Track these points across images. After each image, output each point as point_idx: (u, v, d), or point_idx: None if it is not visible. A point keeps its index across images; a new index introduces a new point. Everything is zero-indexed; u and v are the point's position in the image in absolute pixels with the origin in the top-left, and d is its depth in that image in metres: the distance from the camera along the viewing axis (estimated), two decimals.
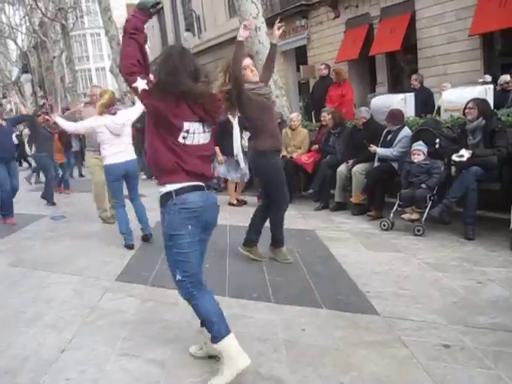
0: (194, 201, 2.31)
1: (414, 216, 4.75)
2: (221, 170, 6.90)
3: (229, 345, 2.32)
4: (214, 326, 2.35)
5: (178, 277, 2.35)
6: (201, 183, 2.35)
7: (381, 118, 5.89)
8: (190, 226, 2.31)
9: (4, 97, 17.07)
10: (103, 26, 14.62)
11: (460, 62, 11.30)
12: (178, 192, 2.29)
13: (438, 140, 4.86)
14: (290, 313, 3.09)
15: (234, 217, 5.92)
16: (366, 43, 13.64)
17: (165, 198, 2.32)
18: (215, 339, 2.34)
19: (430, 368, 2.33)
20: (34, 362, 2.65)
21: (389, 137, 5.45)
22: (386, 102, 6.72)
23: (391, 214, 4.92)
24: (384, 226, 4.89)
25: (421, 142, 4.89)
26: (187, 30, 20.01)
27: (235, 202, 6.83)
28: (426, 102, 7.46)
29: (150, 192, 8.64)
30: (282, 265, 4.03)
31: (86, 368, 2.55)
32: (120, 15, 33.37)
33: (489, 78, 8.45)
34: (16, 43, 29.94)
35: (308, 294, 3.37)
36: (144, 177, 10.79)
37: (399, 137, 5.32)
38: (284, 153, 6.70)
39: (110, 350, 2.73)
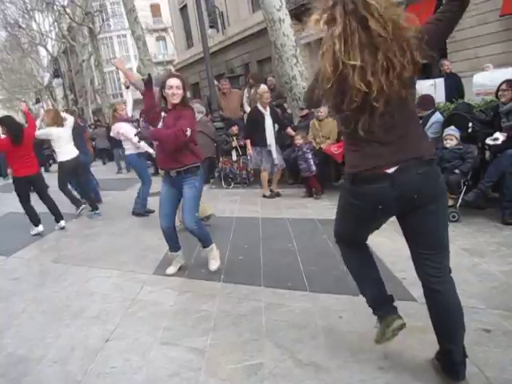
0: None
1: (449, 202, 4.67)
2: (253, 161, 6.90)
3: None
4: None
5: None
6: None
7: None
8: None
9: (37, 102, 17.62)
10: (129, 27, 14.85)
11: (492, 44, 10.94)
12: None
13: (470, 124, 4.75)
14: (326, 301, 3.10)
15: (266, 209, 5.97)
16: None
17: None
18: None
19: (472, 352, 2.29)
20: (81, 352, 2.77)
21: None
22: None
23: None
24: None
25: (453, 127, 4.79)
26: (211, 26, 20.09)
27: (268, 193, 6.82)
28: (455, 87, 7.30)
29: None
30: (316, 254, 4.04)
31: (130, 356, 2.65)
32: (145, 15, 33.89)
33: None
34: (46, 49, 30.75)
35: (343, 282, 3.36)
36: None
37: (430, 122, 5.23)
38: (313, 143, 6.70)
39: (151, 340, 2.82)
